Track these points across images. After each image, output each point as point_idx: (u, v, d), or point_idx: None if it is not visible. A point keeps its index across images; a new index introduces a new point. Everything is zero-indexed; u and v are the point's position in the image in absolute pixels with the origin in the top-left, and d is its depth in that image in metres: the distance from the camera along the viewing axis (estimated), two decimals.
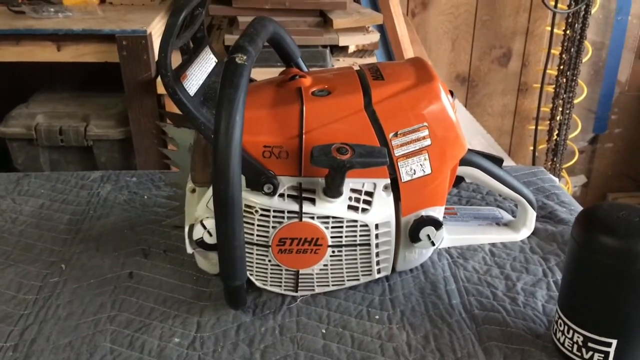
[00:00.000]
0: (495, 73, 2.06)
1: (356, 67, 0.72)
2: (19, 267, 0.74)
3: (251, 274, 0.68)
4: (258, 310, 0.67)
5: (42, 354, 0.61)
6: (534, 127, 2.06)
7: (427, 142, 0.66)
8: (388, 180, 0.66)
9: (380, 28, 1.67)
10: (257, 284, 0.68)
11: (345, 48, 1.52)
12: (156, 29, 1.43)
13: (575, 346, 0.58)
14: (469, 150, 0.71)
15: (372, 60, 1.54)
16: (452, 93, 0.69)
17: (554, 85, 1.97)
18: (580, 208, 0.87)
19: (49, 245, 0.78)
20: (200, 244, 0.66)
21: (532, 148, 2.10)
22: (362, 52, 1.55)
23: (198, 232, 0.66)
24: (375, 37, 1.53)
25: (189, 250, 0.67)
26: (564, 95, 1.95)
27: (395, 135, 0.65)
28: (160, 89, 1.42)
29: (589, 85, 2.04)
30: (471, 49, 2.03)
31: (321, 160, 0.61)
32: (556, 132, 2.01)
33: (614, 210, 0.57)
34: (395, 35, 1.73)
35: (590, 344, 0.57)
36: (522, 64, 2.05)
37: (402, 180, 0.66)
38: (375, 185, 0.66)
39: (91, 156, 1.56)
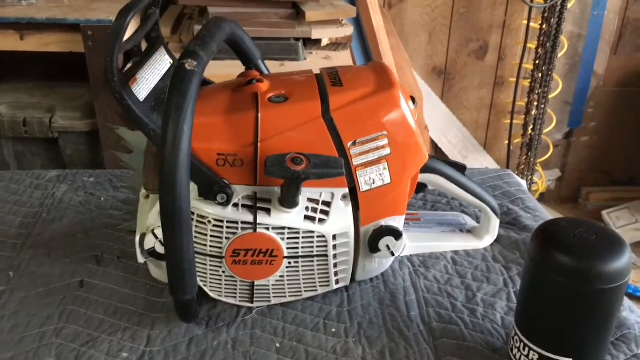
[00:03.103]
0: (472, 66, 2.05)
1: (317, 71, 0.70)
2: None
3: (205, 285, 0.66)
4: (212, 323, 0.65)
5: None
6: (509, 121, 2.05)
7: (387, 151, 0.64)
8: (346, 190, 0.64)
9: (357, 20, 1.64)
10: (212, 295, 0.66)
11: (319, 41, 1.49)
12: None
13: None
14: (432, 157, 0.69)
15: (345, 53, 1.51)
16: (413, 99, 0.67)
17: (529, 80, 1.96)
18: (545, 214, 0.86)
19: None
20: (152, 253, 0.64)
21: (507, 142, 2.09)
22: (335, 45, 1.52)
23: (149, 242, 0.64)
24: (349, 30, 1.51)
25: (140, 260, 0.65)
26: (539, 90, 1.94)
27: (354, 144, 0.63)
28: None
29: (565, 79, 2.03)
30: (448, 41, 2.01)
31: (275, 171, 0.59)
32: (531, 126, 2.01)
33: (571, 227, 0.55)
34: (372, 27, 1.70)
35: None
36: (499, 57, 2.04)
37: (361, 190, 0.65)
38: (333, 194, 0.64)
39: (57, 149, 1.52)
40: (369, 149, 0.64)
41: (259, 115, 0.62)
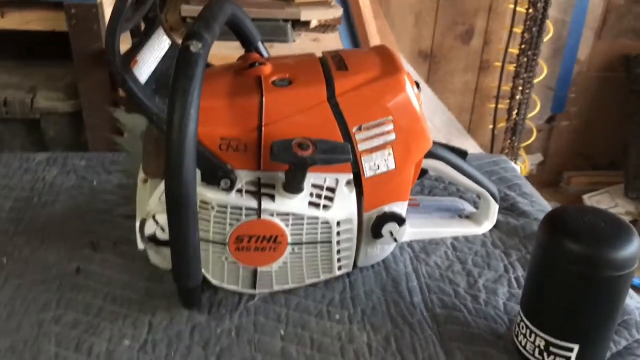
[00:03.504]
0: (458, 50, 2.05)
1: (319, 54, 0.69)
2: None
3: (207, 272, 0.64)
4: (214, 310, 0.64)
5: None
6: (494, 105, 2.06)
7: (392, 136, 0.63)
8: (351, 176, 0.64)
9: (343, 2, 1.62)
10: (213, 282, 0.65)
11: (307, 23, 1.47)
12: None
13: (537, 350, 0.57)
14: (434, 142, 0.69)
15: (334, 35, 1.50)
16: (417, 84, 0.66)
17: (515, 64, 1.96)
18: (541, 199, 0.87)
19: None
20: (152, 239, 0.63)
21: (491, 126, 2.10)
22: (324, 27, 1.51)
23: (150, 228, 0.62)
24: (338, 12, 1.49)
25: (140, 246, 0.64)
26: (525, 75, 1.95)
27: (359, 129, 0.62)
28: None
29: (549, 64, 2.04)
30: (434, 25, 2.00)
31: (281, 156, 0.58)
32: (515, 111, 2.02)
33: (580, 214, 0.55)
34: (359, 10, 1.68)
35: (552, 348, 0.56)
36: (484, 41, 2.04)
37: (365, 176, 0.64)
38: (337, 180, 0.63)
39: (38, 130, 1.49)
40: (374, 134, 0.63)
41: (263, 99, 0.61)
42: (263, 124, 0.60)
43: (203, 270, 0.64)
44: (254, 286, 0.66)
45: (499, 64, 2.01)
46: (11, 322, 0.61)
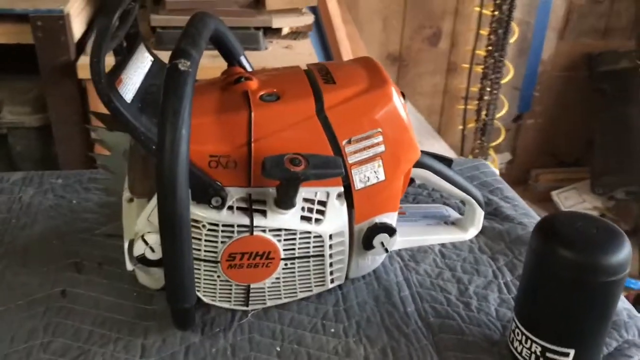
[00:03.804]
0: (426, 53, 2.07)
1: (302, 66, 0.69)
2: None
3: (198, 290, 0.63)
4: (207, 329, 0.63)
5: None
6: (463, 106, 2.09)
7: (381, 148, 0.63)
8: (341, 189, 0.63)
9: (313, 9, 1.62)
10: (205, 300, 0.64)
11: (279, 30, 1.47)
12: (74, 8, 1.33)
13: (533, 356, 0.58)
14: (422, 152, 0.69)
15: (306, 42, 1.50)
16: (403, 95, 0.67)
17: (482, 66, 1.99)
18: (522, 203, 0.88)
19: None
20: (142, 260, 0.62)
21: (461, 127, 2.13)
22: (295, 34, 1.50)
23: (139, 249, 0.61)
24: (309, 19, 1.49)
25: (129, 267, 0.62)
26: (492, 76, 1.98)
27: (349, 142, 0.62)
28: (82, 73, 1.32)
29: (514, 64, 2.08)
30: (402, 28, 2.02)
31: (274, 173, 0.57)
32: (484, 111, 2.05)
33: (572, 221, 0.56)
34: (328, 16, 1.69)
35: (548, 354, 0.57)
36: (452, 44, 2.07)
37: (356, 188, 0.64)
38: (328, 194, 0.63)
39: (5, 145, 1.45)
40: (364, 147, 0.63)
41: (252, 114, 0.60)
42: (252, 139, 0.60)
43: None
44: (246, 303, 0.65)
45: (466, 65, 2.04)
46: None
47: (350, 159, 0.63)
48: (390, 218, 0.67)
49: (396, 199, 0.67)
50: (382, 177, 0.64)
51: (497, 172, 0.99)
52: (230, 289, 0.64)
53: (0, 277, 0.69)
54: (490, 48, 1.95)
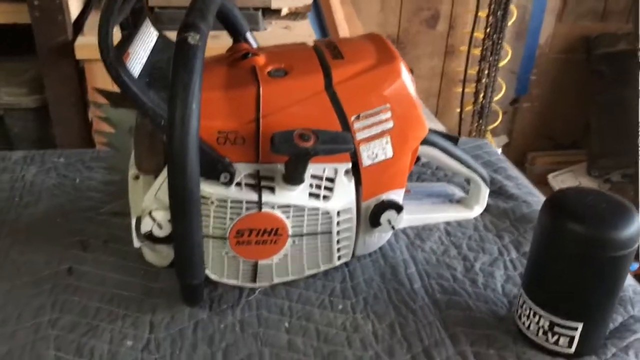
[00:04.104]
0: (424, 35, 2.06)
1: (310, 43, 0.68)
2: None
3: (206, 267, 0.63)
4: (215, 305, 0.63)
5: None
6: (460, 89, 2.08)
7: (390, 124, 0.63)
8: (349, 165, 0.63)
9: None
10: (213, 277, 0.64)
11: (278, 11, 1.46)
12: None
13: (541, 330, 0.58)
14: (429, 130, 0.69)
15: (305, 23, 1.48)
16: (411, 71, 0.66)
17: (480, 48, 1.98)
18: (526, 182, 0.88)
19: None
20: (149, 237, 0.61)
21: (458, 110, 2.13)
22: (294, 15, 1.49)
23: (147, 225, 0.61)
24: None
25: (137, 244, 0.62)
26: (490, 59, 1.97)
27: (357, 118, 0.62)
28: (80, 54, 1.31)
29: (512, 47, 2.07)
30: (400, 10, 2.01)
31: (283, 148, 0.57)
32: (482, 94, 2.04)
33: (581, 196, 0.56)
34: None
35: (556, 328, 0.58)
36: (450, 26, 2.06)
37: (364, 165, 0.64)
38: (336, 170, 0.63)
39: (2, 126, 1.43)
40: (372, 123, 0.63)
41: (260, 90, 0.60)
42: (261, 115, 0.59)
43: None
44: (254, 280, 0.65)
45: (464, 48, 2.03)
46: (6, 328, 0.59)
47: (359, 135, 0.62)
48: (397, 195, 0.67)
49: (403, 175, 0.67)
50: (390, 153, 0.64)
51: (499, 151, 0.99)
52: (238, 266, 0.64)
53: (5, 255, 0.68)
54: (488, 30, 1.94)
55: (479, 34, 1.98)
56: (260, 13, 1.41)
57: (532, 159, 2.34)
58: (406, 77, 0.64)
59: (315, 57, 0.64)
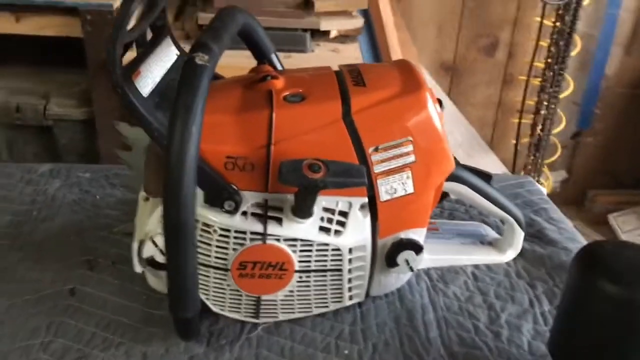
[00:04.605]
0: (481, 63, 1.99)
1: (335, 68, 0.65)
2: None
3: (207, 298, 0.60)
4: (213, 340, 0.60)
5: None
6: (517, 120, 2.00)
7: (411, 158, 0.58)
8: (365, 199, 0.59)
9: (365, 12, 1.58)
10: (214, 309, 0.61)
11: (327, 33, 1.43)
12: None
13: None
14: (456, 164, 0.64)
15: (354, 46, 1.45)
16: (440, 102, 0.62)
17: (540, 78, 1.90)
18: (570, 226, 0.81)
19: None
20: (151, 262, 0.59)
21: (514, 141, 2.04)
22: (344, 37, 1.46)
23: (148, 250, 0.58)
24: (359, 22, 1.45)
25: (137, 269, 0.60)
26: (550, 89, 1.89)
27: (376, 150, 0.58)
28: None
29: (575, 78, 1.98)
30: (457, 36, 1.95)
31: (290, 178, 0.53)
32: (540, 126, 1.96)
33: (619, 250, 0.50)
34: (380, 20, 1.64)
35: None
36: (509, 54, 1.98)
37: (381, 200, 0.59)
38: (350, 204, 0.59)
39: (51, 137, 1.46)
40: (392, 156, 0.58)
41: (273, 115, 0.56)
42: (272, 142, 0.56)
43: (203, 297, 0.60)
44: (257, 315, 0.62)
45: (523, 77, 1.95)
46: None
47: (377, 168, 0.58)
48: (417, 234, 0.62)
49: (425, 214, 0.62)
50: (410, 189, 0.60)
51: (545, 191, 0.92)
52: (241, 300, 0.60)
53: (13, 271, 0.67)
54: (549, 60, 1.86)
55: (540, 64, 1.90)
56: (308, 35, 1.39)
57: (593, 197, 2.21)
58: (432, 108, 0.59)
59: (335, 83, 0.60)
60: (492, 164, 2.10)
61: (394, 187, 0.59)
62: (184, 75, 0.51)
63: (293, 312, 0.62)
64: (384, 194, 0.59)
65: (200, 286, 0.59)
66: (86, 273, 0.67)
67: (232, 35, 0.58)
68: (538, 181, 2.06)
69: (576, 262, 0.51)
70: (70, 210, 0.78)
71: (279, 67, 0.69)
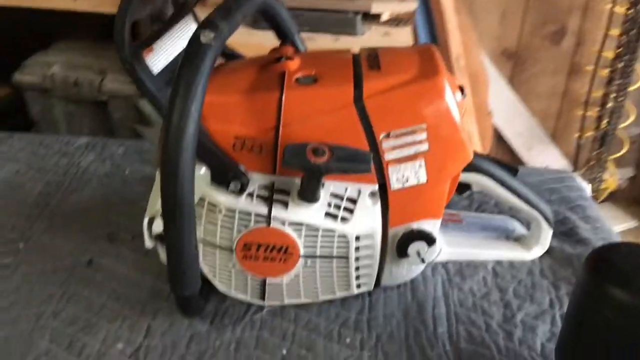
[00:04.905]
0: (546, 51, 1.90)
1: (354, 51, 0.63)
2: None
3: (214, 278, 0.60)
4: (217, 319, 0.60)
5: None
6: (582, 112, 1.91)
7: (425, 146, 0.56)
8: (375, 187, 0.57)
9: None
10: (220, 288, 0.61)
11: (378, 16, 1.40)
12: None
13: None
14: (478, 155, 0.61)
15: (406, 30, 1.42)
16: (462, 89, 0.59)
17: (609, 69, 1.81)
18: (607, 226, 0.77)
19: (12, 219, 0.73)
20: (160, 238, 0.59)
21: (578, 134, 1.95)
22: (396, 21, 1.43)
23: (158, 226, 0.59)
24: (412, 5, 1.41)
25: (148, 244, 0.60)
26: (619, 81, 1.79)
27: (387, 136, 0.56)
28: None
29: None
30: (521, 23, 1.87)
31: (293, 162, 0.53)
32: (606, 119, 1.86)
33: (632, 254, 0.47)
34: (438, 4, 1.60)
35: None
36: (577, 43, 1.89)
37: (392, 188, 0.57)
38: (359, 191, 0.57)
39: (106, 112, 1.51)
40: (404, 143, 0.56)
41: (283, 96, 0.55)
42: (281, 124, 0.55)
43: (210, 276, 0.60)
44: (263, 297, 0.61)
45: (591, 67, 1.86)
46: (11, 312, 0.60)
47: (388, 156, 0.56)
48: (430, 225, 0.60)
49: (439, 204, 0.60)
50: (423, 178, 0.57)
51: (588, 188, 0.87)
52: (246, 281, 0.60)
53: (37, 239, 0.70)
54: (619, 50, 1.76)
55: (609, 54, 1.80)
56: (359, 17, 1.37)
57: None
58: (449, 95, 0.56)
59: (350, 66, 0.58)
60: (553, 157, 2.01)
61: (405, 175, 0.57)
62: (187, 53, 0.51)
63: (300, 297, 0.61)
64: (395, 182, 0.57)
65: (208, 265, 0.60)
66: (105, 245, 0.69)
67: (246, 14, 0.57)
68: (601, 177, 1.96)
69: (587, 263, 0.48)
70: (99, 183, 0.80)
71: (301, 49, 0.68)
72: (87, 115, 1.53)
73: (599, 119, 1.88)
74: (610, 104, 1.83)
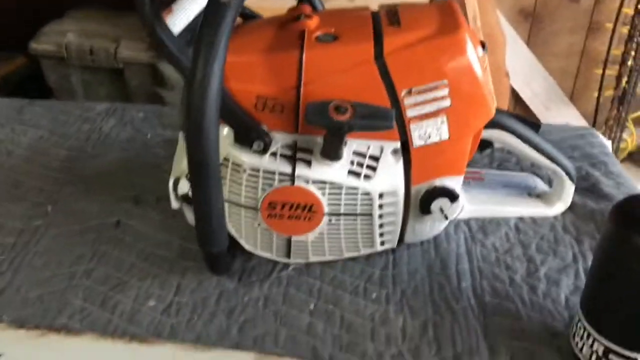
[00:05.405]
0: (565, 9, 1.87)
1: (373, 8, 0.62)
2: (3, 207, 0.70)
3: (240, 237, 0.61)
4: (245, 276, 0.61)
5: (8, 306, 0.57)
6: (601, 71, 1.88)
7: (446, 102, 0.56)
8: (398, 144, 0.58)
9: None
10: (247, 247, 0.62)
11: None
12: None
13: (595, 355, 0.50)
14: (500, 111, 0.61)
15: None
16: (483, 45, 0.59)
17: (629, 26, 1.77)
18: (630, 181, 0.76)
19: (38, 183, 0.74)
20: (186, 199, 0.60)
21: (596, 94, 1.93)
22: None
23: (183, 187, 0.60)
24: None
25: (174, 205, 0.61)
26: (639, 38, 1.75)
27: (409, 92, 0.56)
28: None
29: None
30: None
31: (315, 120, 0.53)
32: (625, 78, 1.83)
33: None
34: None
35: (611, 356, 0.49)
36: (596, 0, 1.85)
37: (414, 145, 0.58)
38: (382, 148, 0.58)
39: (122, 79, 1.51)
40: (426, 100, 0.56)
41: (304, 55, 0.55)
42: (302, 83, 0.55)
43: (236, 235, 0.61)
44: (288, 255, 0.62)
45: (610, 25, 1.82)
46: (44, 272, 0.61)
47: (410, 112, 0.56)
48: (453, 182, 0.60)
49: (461, 161, 0.60)
50: (445, 135, 0.57)
51: (609, 144, 0.86)
52: (272, 239, 0.61)
53: (63, 202, 0.71)
54: (639, 6, 1.73)
55: (629, 10, 1.76)
56: None
57: None
58: (471, 50, 0.56)
59: (370, 23, 0.58)
60: (572, 117, 1.99)
61: (427, 132, 0.57)
62: (206, 14, 0.50)
63: (324, 255, 0.62)
64: (417, 140, 0.58)
65: (234, 225, 0.60)
66: (131, 208, 0.70)
67: None
68: (621, 137, 1.94)
69: (612, 214, 0.48)
70: (121, 148, 0.81)
71: (319, 8, 0.67)
72: (103, 82, 1.54)
73: (618, 77, 1.85)
74: (630, 62, 1.80)
